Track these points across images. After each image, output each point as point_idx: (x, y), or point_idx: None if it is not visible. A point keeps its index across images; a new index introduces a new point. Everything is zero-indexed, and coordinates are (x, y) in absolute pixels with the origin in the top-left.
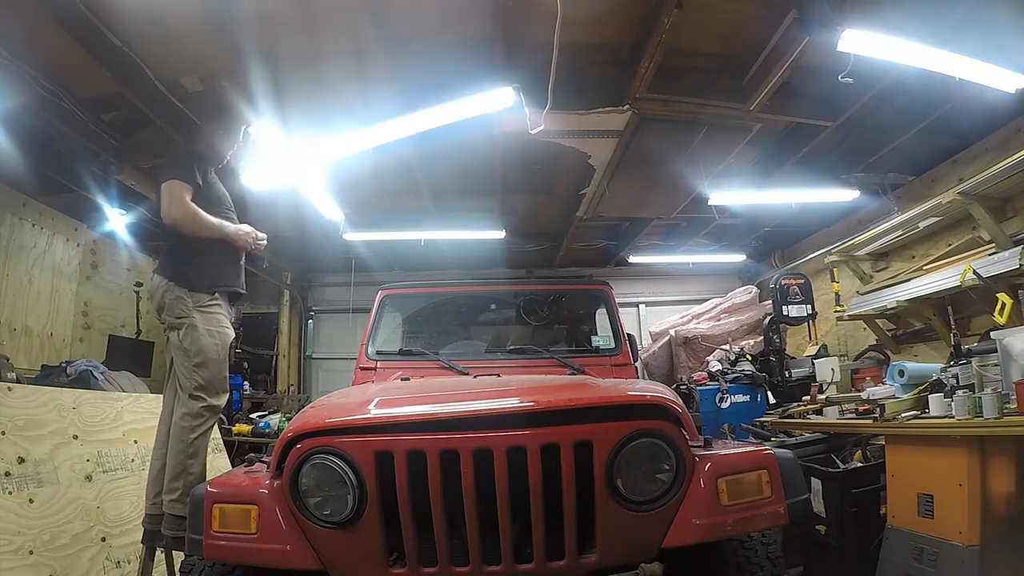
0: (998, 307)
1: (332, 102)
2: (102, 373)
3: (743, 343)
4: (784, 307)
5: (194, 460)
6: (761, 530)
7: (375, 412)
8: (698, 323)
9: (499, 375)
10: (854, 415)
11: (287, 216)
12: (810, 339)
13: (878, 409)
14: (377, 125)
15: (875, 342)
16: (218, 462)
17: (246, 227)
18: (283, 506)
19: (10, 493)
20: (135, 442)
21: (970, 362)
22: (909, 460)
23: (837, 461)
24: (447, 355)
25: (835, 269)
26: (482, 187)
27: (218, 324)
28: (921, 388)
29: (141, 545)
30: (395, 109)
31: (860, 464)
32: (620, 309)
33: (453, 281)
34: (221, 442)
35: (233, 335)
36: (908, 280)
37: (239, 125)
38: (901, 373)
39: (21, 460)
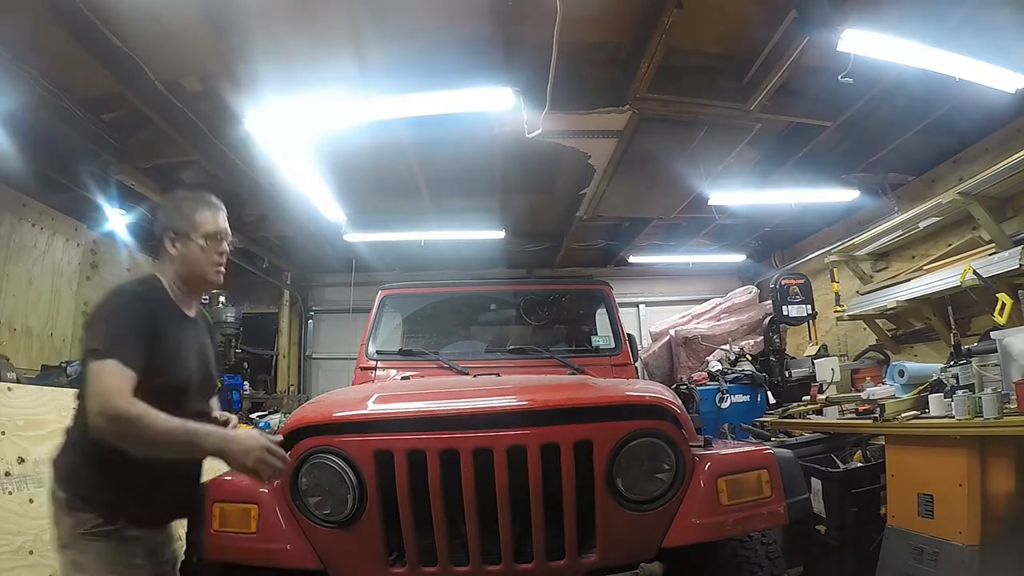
0: (998, 307)
1: (330, 83)
2: None
3: (743, 343)
4: (784, 307)
5: None
6: (761, 530)
7: (373, 408)
8: (698, 323)
9: (499, 375)
10: (854, 415)
11: (288, 216)
12: (810, 339)
13: (878, 409)
14: (374, 98)
15: (875, 342)
16: (218, 462)
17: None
18: (283, 505)
19: (10, 493)
20: None
21: (970, 362)
22: (909, 460)
23: (837, 461)
24: (447, 355)
25: (835, 269)
26: (482, 187)
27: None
28: (921, 388)
29: None
30: (393, 91)
31: (860, 464)
32: (620, 309)
33: (453, 281)
34: None
35: None
36: (908, 280)
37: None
38: (901, 373)
39: (21, 460)
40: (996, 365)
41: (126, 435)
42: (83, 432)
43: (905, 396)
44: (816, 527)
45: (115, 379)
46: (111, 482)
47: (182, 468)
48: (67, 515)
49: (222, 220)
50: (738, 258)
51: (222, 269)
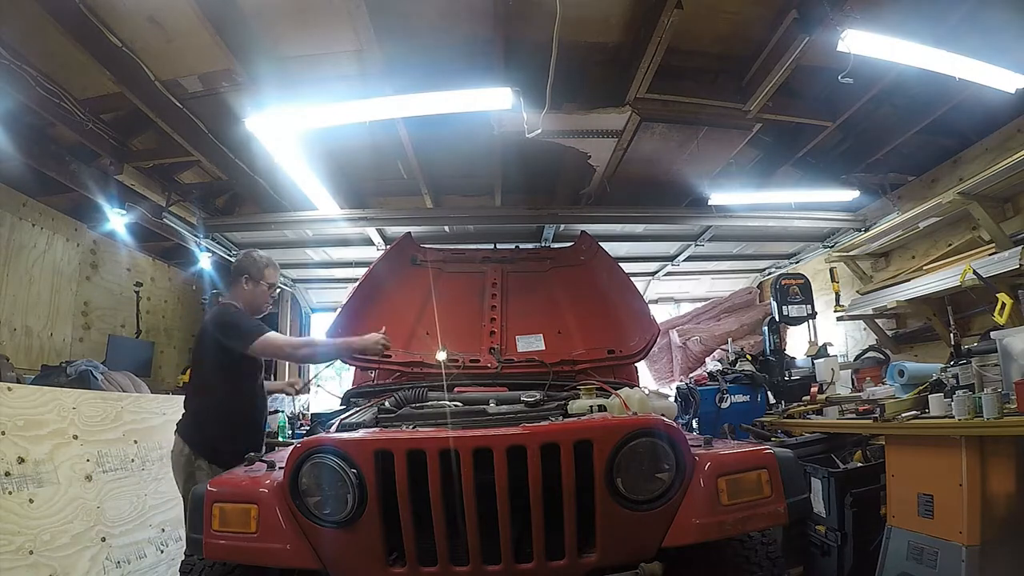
0: (998, 307)
1: (330, 86)
2: (102, 373)
3: (743, 343)
4: (784, 307)
5: None
6: (761, 530)
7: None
8: (698, 323)
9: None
10: (854, 415)
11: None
12: (810, 339)
13: (878, 409)
14: (374, 98)
15: (875, 342)
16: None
17: (372, 336)
18: (283, 505)
19: (10, 493)
20: (135, 442)
21: (970, 362)
22: (909, 460)
23: (837, 461)
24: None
25: (835, 269)
26: (482, 186)
27: None
28: (921, 388)
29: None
30: (393, 91)
31: (860, 464)
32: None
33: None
34: None
35: None
36: (908, 280)
37: (269, 285)
38: (901, 373)
39: (21, 460)
40: (996, 365)
41: (312, 355)
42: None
43: (905, 396)
44: (816, 527)
45: (279, 337)
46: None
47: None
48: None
49: (278, 277)
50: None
51: (270, 303)
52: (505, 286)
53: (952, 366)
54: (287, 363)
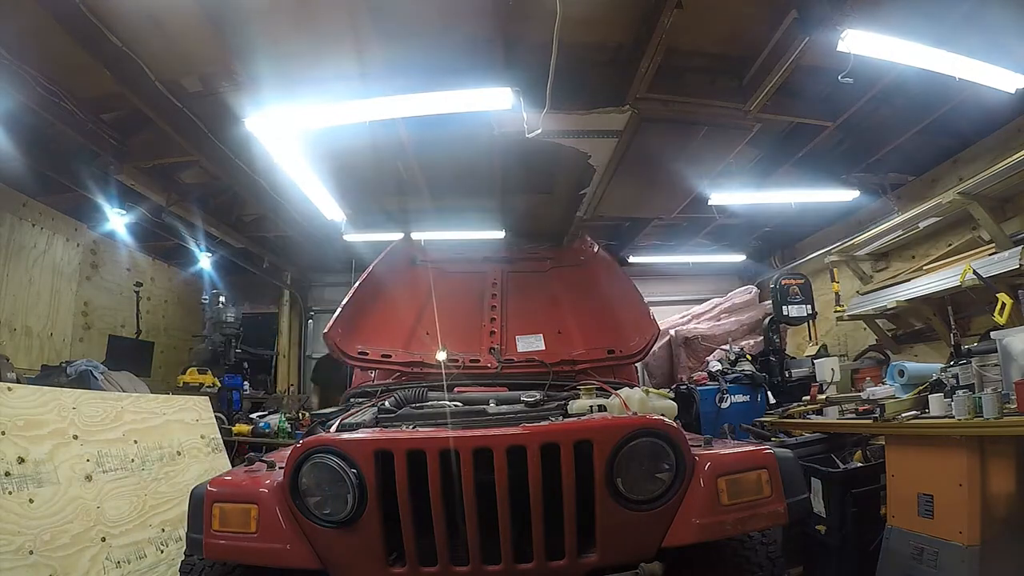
0: (998, 307)
1: (330, 86)
2: (102, 373)
3: (743, 343)
4: (784, 307)
5: None
6: (761, 530)
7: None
8: (698, 323)
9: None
10: (854, 415)
11: (288, 216)
12: (810, 339)
13: (878, 409)
14: (374, 98)
15: (875, 342)
16: (218, 462)
17: None
18: (283, 505)
19: (10, 493)
20: (135, 442)
21: (970, 362)
22: (909, 460)
23: (837, 461)
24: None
25: (835, 269)
26: (482, 187)
27: None
28: (921, 388)
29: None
30: (393, 91)
31: (860, 464)
32: None
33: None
34: (221, 442)
35: None
36: (908, 280)
37: None
38: (901, 373)
39: (21, 460)
40: (996, 365)
41: None
42: None
43: (905, 396)
44: (816, 527)
45: None
46: None
47: None
48: None
49: None
50: (738, 258)
51: None
52: (505, 286)
53: (952, 366)
54: (287, 364)
